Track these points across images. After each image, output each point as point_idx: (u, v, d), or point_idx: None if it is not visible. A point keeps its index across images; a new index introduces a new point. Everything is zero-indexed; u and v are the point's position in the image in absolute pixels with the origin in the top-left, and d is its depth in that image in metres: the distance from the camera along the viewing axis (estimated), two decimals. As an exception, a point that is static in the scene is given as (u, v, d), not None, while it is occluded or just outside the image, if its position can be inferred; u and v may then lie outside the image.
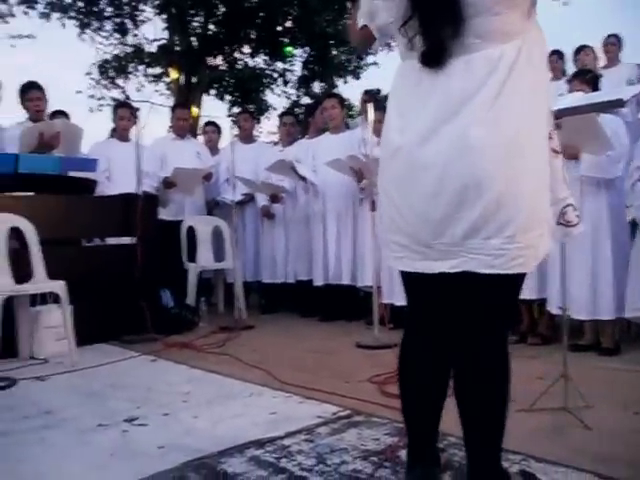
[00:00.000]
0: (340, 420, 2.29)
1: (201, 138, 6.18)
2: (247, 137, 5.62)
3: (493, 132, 1.36)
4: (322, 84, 12.71)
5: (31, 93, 4.45)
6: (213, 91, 12.11)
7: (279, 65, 12.53)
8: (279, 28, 11.68)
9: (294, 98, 12.89)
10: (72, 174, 4.08)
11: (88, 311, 3.57)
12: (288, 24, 11.69)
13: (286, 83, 12.62)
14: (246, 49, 12.07)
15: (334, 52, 11.99)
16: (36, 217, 3.52)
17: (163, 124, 8.04)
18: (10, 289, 3.20)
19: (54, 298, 3.47)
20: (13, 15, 11.67)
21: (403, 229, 1.49)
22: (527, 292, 3.53)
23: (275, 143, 6.45)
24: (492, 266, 1.40)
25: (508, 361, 1.51)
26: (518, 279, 1.47)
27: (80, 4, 11.25)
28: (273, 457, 1.94)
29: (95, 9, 11.31)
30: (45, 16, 11.43)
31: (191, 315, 4.47)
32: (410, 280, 1.59)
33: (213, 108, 14.88)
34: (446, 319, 1.57)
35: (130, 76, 11.99)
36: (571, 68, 5.16)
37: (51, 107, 4.74)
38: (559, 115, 2.31)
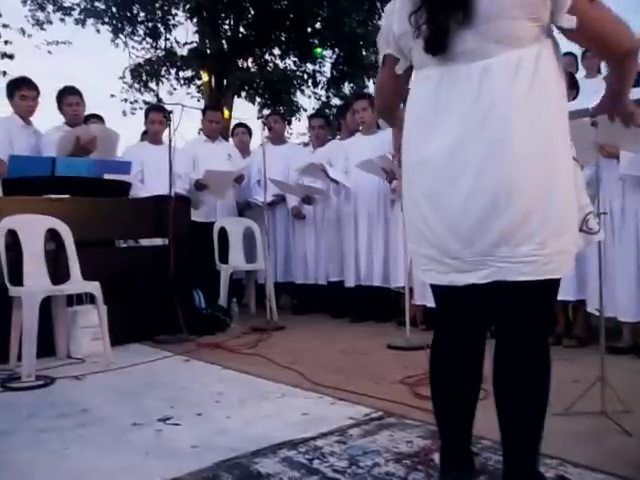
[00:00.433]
0: (372, 422, 2.29)
1: (232, 140, 6.21)
2: (278, 139, 5.64)
3: (525, 138, 1.35)
4: (352, 85, 12.69)
5: (69, 98, 4.54)
6: (244, 93, 12.18)
7: (309, 66, 12.55)
8: (309, 30, 11.70)
9: (324, 99, 12.90)
10: (106, 177, 4.16)
11: (122, 311, 3.62)
12: (318, 25, 11.70)
13: (316, 84, 12.63)
14: (276, 51, 12.13)
15: (364, 53, 11.95)
16: (72, 219, 3.59)
17: (194, 127, 8.10)
18: (47, 289, 3.27)
19: (90, 299, 3.54)
20: (50, 22, 11.99)
21: (431, 241, 1.49)
22: (563, 293, 3.48)
23: (306, 144, 6.47)
24: (523, 273, 1.39)
25: (548, 365, 1.49)
26: (552, 284, 1.46)
27: (114, 10, 11.47)
28: (305, 458, 1.94)
29: (128, 14, 11.51)
30: (80, 22, 11.69)
31: (223, 316, 4.50)
32: (439, 291, 1.59)
33: (244, 110, 15.00)
34: (476, 324, 1.58)
35: (162, 79, 12.16)
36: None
37: (86, 111, 4.82)
38: (596, 113, 2.26)
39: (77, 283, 3.44)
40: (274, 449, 2.02)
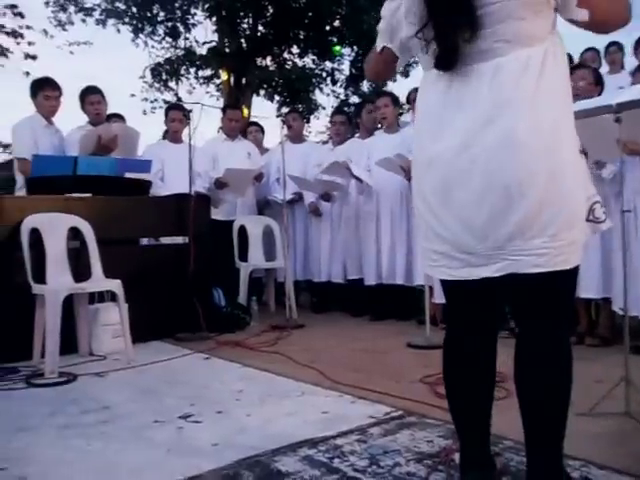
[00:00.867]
0: (392, 421, 2.28)
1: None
2: (297, 137, 5.64)
3: (534, 131, 1.38)
4: (371, 83, 12.65)
5: (91, 97, 4.59)
6: (262, 92, 12.23)
7: (328, 64, 12.55)
8: (327, 28, 11.70)
9: (343, 97, 12.89)
10: (127, 175, 4.19)
11: (143, 309, 3.64)
12: (336, 23, 11.69)
13: (335, 82, 12.64)
14: (295, 49, 12.16)
15: (383, 50, 11.89)
16: (93, 217, 3.63)
17: (213, 126, 8.17)
18: (70, 287, 3.30)
19: (111, 296, 3.57)
20: (72, 23, 12.14)
21: (443, 237, 1.50)
22: (588, 291, 3.44)
23: (324, 142, 6.46)
24: (536, 265, 1.41)
25: (570, 358, 1.49)
26: (566, 276, 1.46)
27: (134, 10, 11.57)
28: (326, 457, 1.94)
29: (148, 14, 11.60)
30: (101, 23, 11.82)
31: (243, 314, 4.52)
32: (450, 287, 1.60)
33: (262, 109, 15.06)
34: (487, 320, 1.59)
35: (182, 79, 12.24)
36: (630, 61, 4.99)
37: (108, 110, 4.87)
38: (620, 109, 2.23)
39: (99, 281, 3.47)
40: (294, 447, 2.02)
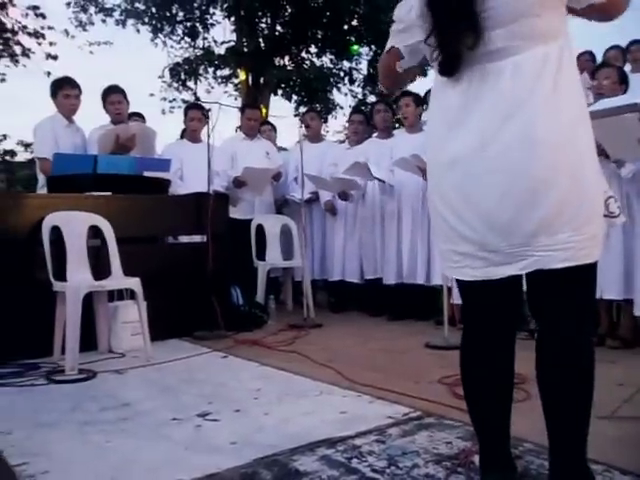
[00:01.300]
0: (411, 421, 2.26)
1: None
2: (314, 136, 5.64)
3: (554, 126, 1.38)
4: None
5: (112, 96, 4.63)
6: (280, 91, 12.24)
7: (345, 64, 12.53)
8: (345, 27, 11.68)
9: (360, 97, 12.86)
10: (147, 174, 4.22)
11: (161, 307, 3.66)
12: (354, 23, 11.68)
13: (352, 82, 12.61)
14: (313, 49, 12.16)
15: (401, 49, 11.85)
16: (113, 216, 3.66)
17: (231, 125, 8.19)
18: (90, 285, 3.33)
19: (130, 294, 3.60)
20: (92, 23, 12.27)
21: (466, 236, 1.49)
22: (609, 293, 3.39)
23: (342, 142, 6.45)
24: (564, 259, 1.41)
25: (591, 358, 1.48)
26: (588, 271, 1.46)
27: (153, 10, 11.65)
28: (344, 457, 1.93)
29: (167, 14, 11.67)
30: (121, 23, 11.92)
31: (260, 313, 4.52)
32: (469, 287, 1.58)
33: (280, 108, 15.06)
34: (506, 320, 1.58)
35: (200, 78, 12.30)
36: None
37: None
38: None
39: (118, 279, 3.50)
40: (312, 447, 2.01)
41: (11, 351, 3.24)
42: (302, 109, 11.93)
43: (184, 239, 4.51)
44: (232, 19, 11.46)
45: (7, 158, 14.09)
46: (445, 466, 1.84)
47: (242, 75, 11.81)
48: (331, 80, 12.33)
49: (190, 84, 12.41)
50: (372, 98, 12.60)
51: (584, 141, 1.43)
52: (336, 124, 13.92)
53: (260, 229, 5.13)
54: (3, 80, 12.80)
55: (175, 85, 12.44)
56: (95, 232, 3.59)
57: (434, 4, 1.45)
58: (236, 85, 12.55)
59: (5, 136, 14.16)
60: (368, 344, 3.80)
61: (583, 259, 1.42)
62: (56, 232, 3.40)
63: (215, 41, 12.15)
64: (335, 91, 12.68)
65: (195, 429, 2.26)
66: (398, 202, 4.78)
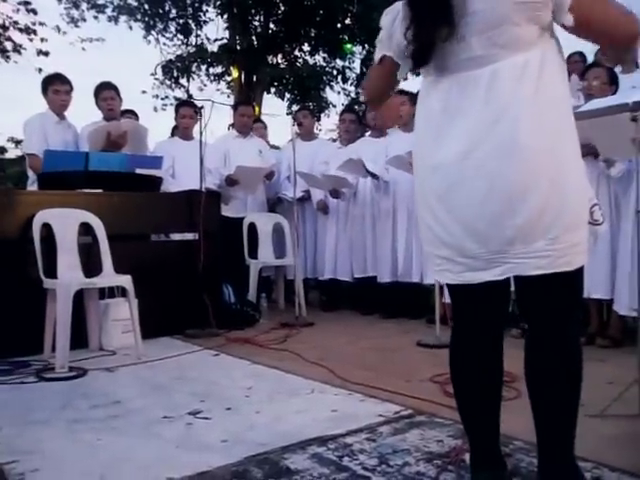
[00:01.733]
0: (402, 420, 2.27)
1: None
2: (307, 134, 5.63)
3: (535, 135, 1.38)
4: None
5: (105, 93, 4.61)
6: (273, 89, 12.22)
7: (338, 62, 12.52)
8: (339, 25, 11.67)
9: (353, 96, 12.85)
10: (138, 171, 4.20)
11: (153, 305, 3.65)
12: (348, 21, 11.67)
13: (345, 80, 12.59)
14: (306, 47, 12.14)
15: (394, 49, 11.86)
16: (104, 213, 3.65)
17: (224, 123, 8.17)
18: (81, 282, 3.32)
19: (121, 292, 3.58)
20: (84, 20, 12.21)
21: (446, 242, 1.52)
22: (596, 292, 3.41)
23: (334, 140, 6.45)
24: (539, 267, 1.42)
25: (579, 356, 1.49)
26: (571, 277, 1.46)
27: (146, 7, 11.59)
28: (335, 455, 1.93)
29: (160, 11, 11.63)
30: (113, 19, 11.86)
31: (252, 311, 4.52)
32: (455, 289, 1.61)
33: (273, 106, 15.06)
34: (492, 322, 1.60)
35: (193, 76, 12.25)
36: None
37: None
38: (636, 107, 2.21)
39: (109, 276, 3.48)
40: (303, 445, 2.01)
41: (1, 348, 3.22)
42: (295, 107, 11.90)
43: (176, 237, 4.49)
44: (225, 17, 11.42)
45: (-2, 155, 14.01)
46: (436, 464, 1.85)
47: (235, 73, 11.79)
48: (324, 78, 12.31)
49: (183, 81, 12.37)
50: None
51: (567, 148, 1.43)
52: (329, 122, 13.96)
53: (252, 227, 5.13)
54: (-6, 76, 12.71)
55: (167, 82, 12.39)
56: (86, 229, 3.57)
57: (415, 6, 1.47)
58: (229, 83, 12.52)
59: (-5, 132, 14.07)
60: (360, 342, 3.80)
61: (563, 267, 1.42)
62: (47, 229, 3.39)
63: (208, 39, 12.12)
64: (328, 89, 12.67)
65: (186, 427, 2.25)
66: (393, 200, 4.78)
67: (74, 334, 3.18)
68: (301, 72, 11.73)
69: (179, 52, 12.20)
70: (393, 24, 1.57)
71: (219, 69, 12.33)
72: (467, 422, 1.66)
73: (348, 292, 5.29)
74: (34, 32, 12.42)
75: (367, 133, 5.28)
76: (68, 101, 4.49)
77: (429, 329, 3.93)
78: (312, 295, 5.61)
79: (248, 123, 5.42)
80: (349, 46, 12.00)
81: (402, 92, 5.04)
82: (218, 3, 11.09)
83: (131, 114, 5.24)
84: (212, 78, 12.45)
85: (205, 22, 12.00)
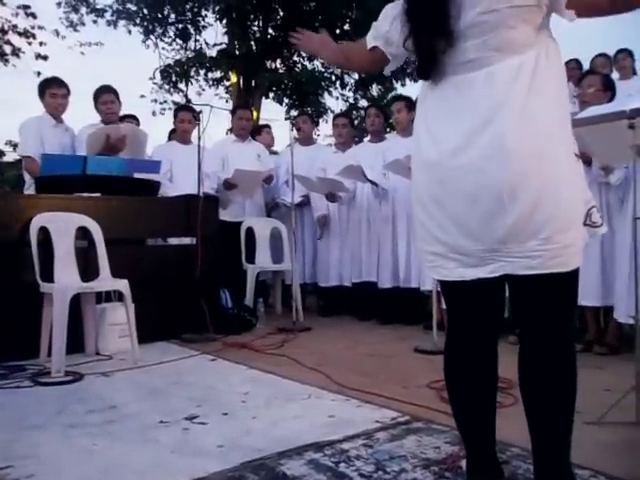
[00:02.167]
0: (399, 426, 2.26)
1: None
2: (306, 139, 5.64)
3: (525, 136, 1.39)
4: (380, 87, 12.65)
5: (104, 96, 4.60)
6: (271, 94, 12.24)
7: (337, 68, 12.53)
8: (337, 31, 11.69)
9: (351, 101, 12.89)
10: (136, 175, 4.20)
11: (150, 309, 3.65)
12: (346, 27, 11.69)
13: (344, 86, 12.62)
14: (304, 52, 12.15)
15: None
16: (102, 217, 3.64)
17: (222, 127, 8.19)
18: (78, 286, 3.31)
19: (118, 296, 3.58)
20: (83, 24, 12.22)
21: (439, 238, 1.53)
22: (587, 299, 3.40)
23: (332, 145, 6.46)
24: (531, 267, 1.43)
25: (573, 361, 1.48)
26: (567, 278, 1.46)
27: (145, 11, 11.61)
28: (332, 461, 1.93)
29: (159, 16, 11.64)
30: (112, 24, 11.88)
31: (249, 316, 4.51)
32: (448, 288, 1.62)
33: (271, 111, 15.09)
34: (486, 322, 1.59)
35: (191, 80, 12.27)
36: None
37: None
38: (634, 115, 2.22)
39: (106, 281, 3.47)
40: (300, 451, 2.01)
41: (-3, 353, 3.21)
42: (293, 112, 11.93)
43: (173, 241, 4.48)
44: (224, 21, 11.44)
45: (-5, 158, 14.01)
46: (433, 471, 1.84)
47: (233, 78, 11.80)
48: (322, 84, 12.33)
49: (181, 86, 12.39)
50: (363, 102, 12.63)
51: (561, 149, 1.44)
52: (327, 128, 13.96)
53: (250, 232, 5.12)
54: (-8, 79, 12.72)
55: (166, 87, 12.40)
56: (83, 233, 3.57)
57: (411, 13, 1.50)
58: (227, 88, 12.53)
59: (-7, 136, 14.07)
60: (357, 348, 3.80)
61: (555, 267, 1.42)
62: (44, 233, 3.38)
63: (207, 43, 12.14)
64: (326, 95, 12.70)
65: (182, 432, 2.25)
66: (393, 207, 4.79)
67: (70, 338, 3.17)
68: (300, 77, 11.75)
69: (178, 57, 12.23)
70: (392, 23, 1.59)
71: (218, 74, 12.35)
72: (462, 428, 1.65)
73: (345, 297, 5.28)
74: (33, 36, 12.45)
75: (366, 138, 5.29)
76: (65, 104, 4.49)
77: (426, 335, 3.93)
78: (309, 300, 5.61)
79: (246, 126, 5.42)
80: (348, 52, 12.01)
81: (400, 98, 5.07)
82: (217, 8, 11.11)
83: (132, 119, 5.24)
84: (211, 83, 12.47)
85: (204, 27, 12.03)
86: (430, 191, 1.53)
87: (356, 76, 12.54)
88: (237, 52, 11.47)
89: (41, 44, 12.46)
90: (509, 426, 1.74)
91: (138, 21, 11.80)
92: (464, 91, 1.46)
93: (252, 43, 11.55)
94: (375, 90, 12.78)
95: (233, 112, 5.69)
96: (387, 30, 1.62)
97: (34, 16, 12.36)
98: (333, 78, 12.49)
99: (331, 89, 12.59)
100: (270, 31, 11.68)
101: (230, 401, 2.63)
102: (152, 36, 12.01)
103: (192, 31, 12.06)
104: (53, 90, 4.41)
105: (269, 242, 5.25)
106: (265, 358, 3.51)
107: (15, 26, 12.37)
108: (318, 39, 1.87)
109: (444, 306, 3.96)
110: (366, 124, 5.24)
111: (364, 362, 3.40)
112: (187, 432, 2.25)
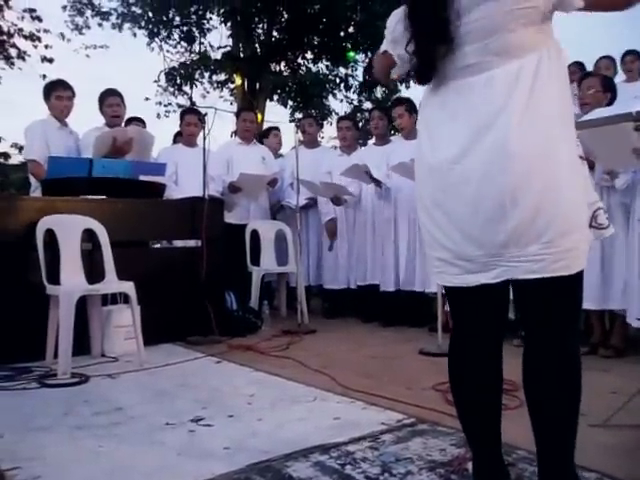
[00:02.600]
0: (404, 428, 2.26)
1: (265, 142, 6.24)
2: (311, 142, 5.64)
3: (526, 140, 1.39)
4: (384, 89, 12.65)
5: (110, 99, 4.61)
6: (276, 97, 12.26)
7: (341, 70, 12.56)
8: (342, 34, 11.71)
9: (356, 103, 12.90)
10: (142, 178, 4.21)
11: (155, 312, 3.65)
12: (351, 29, 11.71)
13: (348, 88, 12.63)
14: (309, 55, 12.18)
15: (397, 57, 11.89)
16: (108, 219, 3.65)
17: (226, 130, 8.18)
18: (84, 289, 3.32)
19: (124, 298, 3.59)
20: (88, 27, 12.28)
21: (444, 244, 1.53)
22: (585, 302, 3.39)
23: (337, 148, 6.47)
24: (533, 271, 1.42)
25: (576, 366, 1.47)
26: (570, 281, 1.45)
27: (150, 14, 11.65)
28: (338, 463, 1.93)
29: (164, 18, 11.68)
30: (117, 27, 11.93)
31: (254, 318, 4.52)
32: (452, 292, 1.62)
33: (276, 114, 15.09)
34: (491, 326, 1.59)
35: (196, 83, 12.29)
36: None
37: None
38: None
39: (112, 283, 3.48)
40: (306, 453, 2.01)
41: (3, 354, 3.22)
42: (297, 115, 11.95)
43: (178, 243, 4.50)
44: (228, 24, 11.47)
45: (1, 161, 14.05)
46: (439, 473, 1.84)
47: (238, 80, 11.82)
48: (327, 86, 12.35)
49: (186, 89, 12.41)
50: (368, 104, 12.64)
51: (564, 153, 1.42)
52: (331, 130, 13.95)
53: (255, 234, 5.13)
54: (-2, 82, 12.77)
55: (171, 89, 12.42)
56: (89, 235, 3.58)
57: (412, 17, 1.51)
58: (232, 90, 12.56)
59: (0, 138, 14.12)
60: (362, 350, 3.80)
61: (558, 271, 1.41)
62: (50, 235, 3.39)
63: (211, 46, 12.19)
64: (331, 97, 12.72)
65: (188, 434, 2.25)
66: (394, 208, 4.79)
67: (76, 340, 3.19)
68: (304, 80, 11.77)
69: (182, 59, 12.28)
70: (396, 27, 1.60)
71: (222, 76, 12.37)
72: (467, 430, 1.65)
73: (350, 300, 5.28)
74: (39, 39, 12.50)
75: (370, 141, 5.30)
76: (70, 107, 4.51)
77: (431, 337, 3.92)
78: (314, 302, 5.61)
79: (250, 128, 5.44)
80: (352, 54, 12.04)
81: (400, 101, 5.08)
82: (222, 11, 11.14)
83: (139, 122, 5.26)
84: (215, 85, 12.50)
85: (209, 30, 12.07)
86: (433, 197, 1.54)
87: (360, 78, 12.57)
88: (241, 55, 11.50)
89: (47, 47, 12.51)
90: (515, 428, 1.74)
91: (143, 24, 11.85)
92: (464, 96, 1.46)
93: (256, 46, 11.58)
94: (379, 92, 12.78)
95: (237, 115, 5.70)
96: (392, 32, 1.62)
97: (40, 19, 12.41)
98: (337, 80, 12.52)
99: (335, 91, 12.62)
100: (274, 34, 11.71)
101: (236, 403, 2.64)
102: (157, 39, 12.06)
103: (197, 34, 12.10)
104: (59, 92, 4.43)
105: (274, 244, 5.26)
106: (270, 360, 3.52)
107: (21, 29, 12.42)
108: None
109: (448, 308, 3.98)
110: (370, 127, 5.26)
111: (369, 364, 3.40)
112: (193, 434, 2.25)
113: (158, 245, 4.53)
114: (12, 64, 12.52)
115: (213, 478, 1.83)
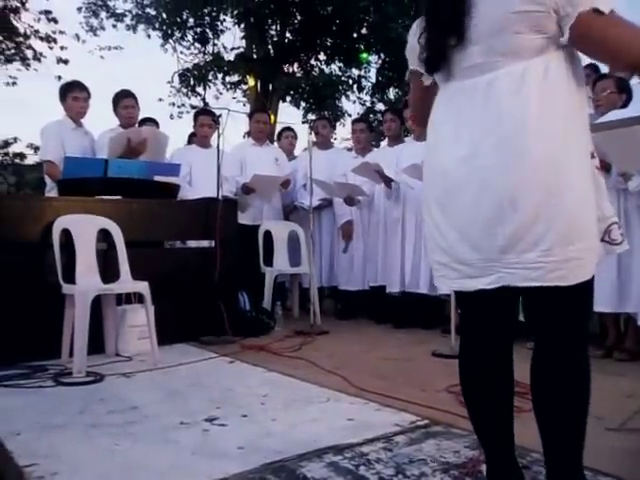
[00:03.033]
0: (418, 429, 2.26)
1: (277, 143, 6.26)
2: (324, 143, 5.65)
3: (528, 146, 1.37)
4: (397, 90, 12.65)
5: (124, 101, 4.65)
6: (289, 98, 12.29)
7: (354, 72, 12.58)
8: (354, 35, 11.73)
9: (369, 105, 12.90)
10: (156, 178, 4.24)
11: (169, 311, 3.67)
12: (364, 31, 11.72)
13: (361, 89, 12.65)
14: (322, 56, 12.21)
15: (410, 58, 11.88)
16: (123, 219, 3.68)
17: (239, 131, 8.22)
18: (99, 288, 3.34)
19: (138, 298, 3.61)
20: (103, 28, 12.38)
21: (444, 248, 1.53)
22: (599, 305, 3.36)
23: (349, 149, 6.48)
24: (531, 279, 1.40)
25: (583, 373, 1.46)
26: (572, 292, 1.41)
27: (164, 16, 11.73)
28: (352, 464, 1.93)
29: (178, 20, 11.75)
30: (132, 28, 12.02)
31: (267, 319, 4.53)
32: (460, 297, 1.61)
33: (289, 115, 15.16)
34: (499, 328, 1.58)
35: (209, 84, 12.36)
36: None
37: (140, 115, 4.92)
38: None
39: (127, 282, 3.51)
40: (320, 453, 2.01)
41: (19, 353, 3.25)
42: (310, 116, 11.96)
43: (192, 244, 4.53)
44: (242, 26, 11.52)
45: (17, 161, 14.20)
46: (453, 475, 1.84)
47: (251, 81, 11.87)
48: (340, 87, 12.37)
49: (199, 90, 12.48)
50: (380, 106, 12.63)
51: (570, 162, 1.38)
52: (344, 132, 13.97)
53: (268, 235, 5.14)
54: (14, 83, 12.93)
55: (184, 90, 12.50)
56: (104, 235, 3.61)
57: (429, 10, 1.52)
58: (245, 91, 12.61)
59: (15, 139, 14.30)
60: (375, 351, 3.80)
61: (555, 281, 1.38)
62: (66, 235, 3.43)
63: (225, 47, 12.26)
64: (343, 98, 12.73)
65: (202, 434, 2.26)
66: (403, 208, 4.79)
67: (91, 339, 3.21)
68: (317, 81, 11.79)
69: (196, 60, 12.36)
70: (414, 37, 1.59)
71: (235, 77, 12.43)
72: (479, 432, 1.65)
73: (363, 301, 5.28)
74: (54, 40, 12.64)
75: (384, 142, 5.30)
76: (86, 108, 4.55)
77: (444, 339, 3.92)
78: (327, 303, 5.61)
79: (264, 129, 5.45)
80: (365, 55, 12.05)
81: (407, 105, 5.08)
82: (235, 12, 11.19)
83: (152, 122, 5.29)
84: (228, 86, 12.57)
85: (222, 31, 12.15)
86: (437, 198, 1.53)
87: (373, 79, 12.58)
88: (255, 56, 11.54)
89: (62, 48, 12.65)
90: (529, 431, 1.72)
91: (157, 25, 11.94)
92: (469, 97, 1.45)
93: (270, 47, 11.62)
94: (392, 93, 12.78)
95: (250, 116, 5.72)
96: (412, 46, 1.61)
97: (55, 21, 12.56)
98: (350, 82, 12.53)
99: (348, 93, 12.63)
100: (288, 35, 11.75)
101: (249, 403, 2.65)
102: (171, 40, 12.15)
103: (210, 35, 12.18)
104: (75, 94, 4.47)
105: (287, 245, 5.27)
106: (283, 361, 3.53)
107: (37, 31, 12.57)
108: None
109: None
110: (383, 129, 5.26)
111: (382, 365, 3.40)
112: (207, 433, 2.26)
113: (172, 245, 4.56)
114: (28, 65, 12.68)
115: (227, 477, 1.84)
